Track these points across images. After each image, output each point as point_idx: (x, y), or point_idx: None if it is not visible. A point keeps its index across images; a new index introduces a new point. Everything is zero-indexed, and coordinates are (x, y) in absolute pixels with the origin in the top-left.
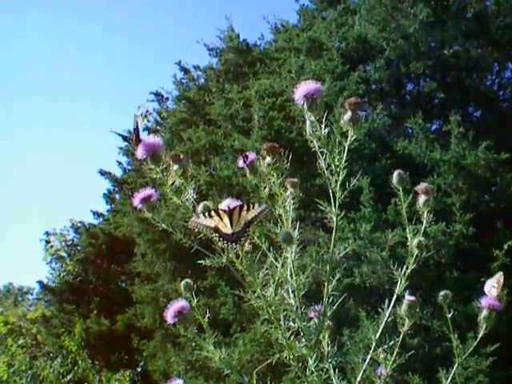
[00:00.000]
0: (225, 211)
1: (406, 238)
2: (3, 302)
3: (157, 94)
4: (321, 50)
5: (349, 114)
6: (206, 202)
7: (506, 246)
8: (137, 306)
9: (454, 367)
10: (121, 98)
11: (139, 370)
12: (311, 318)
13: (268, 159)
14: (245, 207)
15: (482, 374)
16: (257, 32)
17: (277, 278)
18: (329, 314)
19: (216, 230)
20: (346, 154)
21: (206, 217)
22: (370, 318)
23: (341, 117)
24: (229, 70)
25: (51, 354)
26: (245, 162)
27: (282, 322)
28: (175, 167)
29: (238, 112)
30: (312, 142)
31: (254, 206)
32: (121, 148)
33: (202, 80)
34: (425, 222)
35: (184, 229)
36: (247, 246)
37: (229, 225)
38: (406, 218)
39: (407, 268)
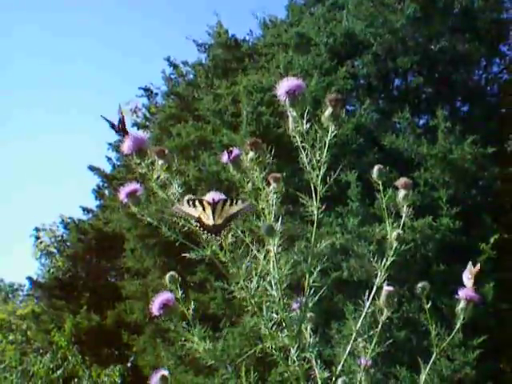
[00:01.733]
0: (209, 203)
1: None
2: None
3: (146, 90)
4: (309, 46)
5: (329, 109)
6: (191, 196)
7: (492, 240)
8: (126, 301)
9: (432, 357)
10: (110, 94)
11: (129, 365)
12: (294, 310)
13: (251, 154)
14: (228, 201)
15: (468, 366)
16: (245, 28)
17: (259, 270)
18: (310, 305)
19: (198, 220)
20: (326, 149)
21: (190, 205)
22: (358, 311)
23: (322, 113)
24: (217, 65)
25: (41, 350)
26: (229, 157)
27: (264, 313)
28: (160, 162)
29: (226, 107)
30: (295, 137)
31: (237, 202)
32: (110, 144)
33: (191, 76)
34: (404, 215)
35: (170, 223)
36: (230, 239)
37: (211, 217)
38: (385, 211)
39: (387, 260)
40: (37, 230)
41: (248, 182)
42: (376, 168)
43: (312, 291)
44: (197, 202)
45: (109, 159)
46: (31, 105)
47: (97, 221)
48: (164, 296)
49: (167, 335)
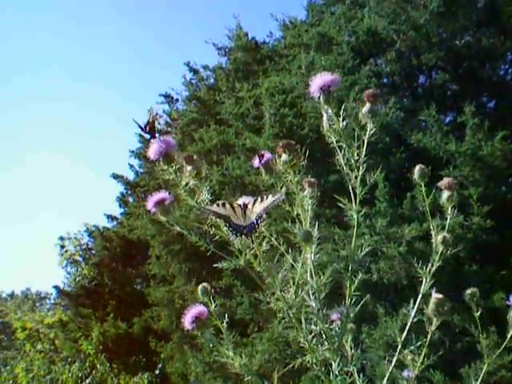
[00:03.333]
0: (239, 205)
1: (424, 233)
2: (21, 308)
3: (166, 96)
4: (330, 45)
5: (367, 105)
6: (220, 201)
7: None
8: (153, 308)
9: (484, 368)
10: (130, 102)
11: (157, 372)
12: (333, 321)
13: (284, 157)
14: (259, 199)
15: (504, 369)
16: (265, 30)
17: (297, 279)
18: (352, 316)
19: (227, 219)
20: (365, 148)
21: (218, 206)
22: (389, 314)
23: (359, 109)
24: (238, 68)
25: (69, 359)
26: (260, 161)
27: (303, 325)
28: (189, 168)
29: (248, 110)
30: (329, 137)
31: (267, 197)
32: (132, 151)
33: (212, 80)
34: (449, 217)
35: (199, 230)
36: (265, 246)
37: (241, 217)
38: (429, 213)
39: (432, 265)
40: (62, 238)
41: (281, 187)
42: (417, 168)
43: (353, 301)
44: (226, 204)
45: (131, 166)
46: (55, 114)
47: (121, 228)
48: (196, 309)
49: (195, 342)
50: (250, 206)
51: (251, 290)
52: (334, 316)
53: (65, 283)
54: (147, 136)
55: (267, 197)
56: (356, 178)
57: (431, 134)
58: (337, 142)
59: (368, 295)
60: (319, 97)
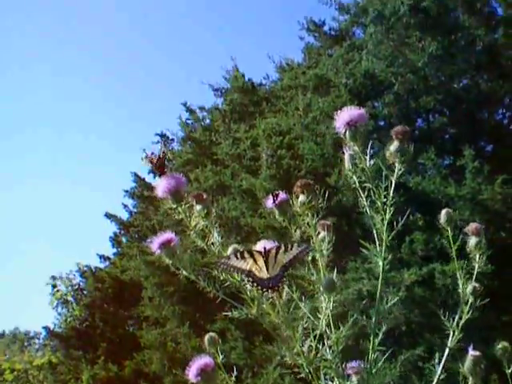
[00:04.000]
0: (260, 253)
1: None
2: (10, 348)
3: (162, 136)
4: (328, 87)
5: (395, 144)
6: (235, 245)
7: None
8: (145, 351)
9: None
10: (125, 142)
11: None
12: (349, 376)
13: (302, 197)
14: (282, 248)
15: None
16: (262, 72)
17: (318, 332)
18: (374, 372)
19: (249, 273)
20: (393, 190)
21: (237, 258)
22: (387, 360)
23: (386, 148)
24: (234, 109)
25: None
26: (274, 201)
27: (322, 383)
28: (198, 208)
29: (245, 151)
30: (351, 177)
31: (292, 247)
32: (126, 191)
33: (208, 120)
34: (477, 265)
35: (210, 277)
36: (285, 296)
37: (264, 268)
38: (456, 259)
39: (460, 318)
40: (53, 278)
41: (296, 230)
42: (444, 212)
43: (376, 355)
44: (245, 254)
45: (125, 206)
46: (47, 150)
47: (114, 269)
48: (202, 360)
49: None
50: (272, 256)
51: (246, 335)
52: (350, 370)
53: (55, 324)
54: (156, 172)
55: (291, 246)
56: (383, 221)
57: (430, 177)
58: (361, 182)
59: (363, 339)
60: (345, 132)
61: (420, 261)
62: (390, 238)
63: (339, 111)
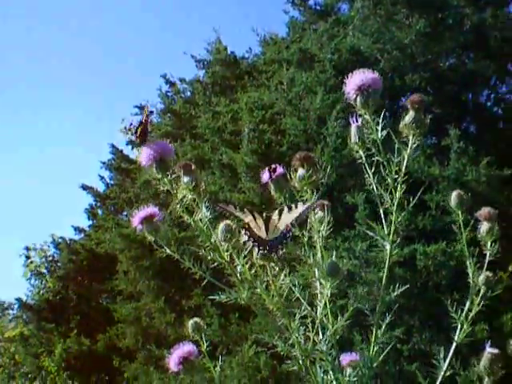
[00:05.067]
0: (260, 214)
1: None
2: None
3: (141, 108)
4: (312, 62)
5: (411, 114)
6: (228, 221)
7: (510, 268)
8: (118, 325)
9: None
10: (104, 112)
11: None
12: (343, 366)
13: (301, 171)
14: (285, 209)
15: None
16: (245, 45)
17: (318, 322)
18: (375, 366)
19: (248, 228)
20: (405, 166)
21: (236, 209)
22: (365, 341)
23: (402, 118)
24: (216, 82)
25: (30, 375)
26: (270, 176)
27: (318, 377)
28: (186, 179)
29: (225, 125)
30: (357, 151)
31: (296, 206)
32: (103, 162)
33: (188, 93)
34: (488, 253)
35: (195, 256)
36: (283, 280)
37: (263, 229)
38: (466, 249)
39: (470, 310)
40: (27, 249)
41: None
42: (455, 194)
43: (376, 348)
44: (245, 210)
45: (102, 178)
46: (24, 119)
47: (89, 241)
48: (184, 348)
49: (160, 363)
50: (274, 218)
51: (221, 312)
52: (344, 360)
53: (28, 295)
54: (137, 140)
55: (296, 205)
56: (392, 200)
57: (414, 156)
58: (370, 156)
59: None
60: (355, 98)
61: (401, 241)
62: (399, 218)
63: (350, 74)
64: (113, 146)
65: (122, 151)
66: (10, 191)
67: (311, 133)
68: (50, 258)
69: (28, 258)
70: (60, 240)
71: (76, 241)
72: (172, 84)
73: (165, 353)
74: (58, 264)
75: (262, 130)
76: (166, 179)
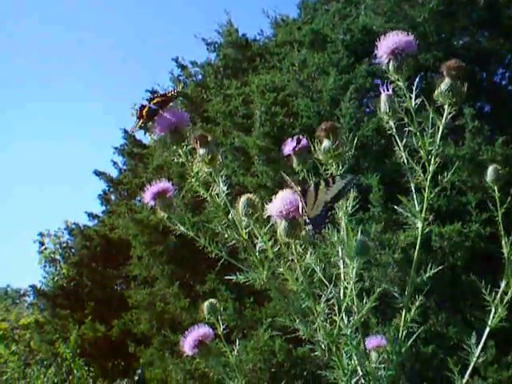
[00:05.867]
0: (299, 183)
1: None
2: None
3: (152, 92)
4: (324, 43)
5: (447, 81)
6: (249, 195)
7: None
8: (133, 311)
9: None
10: (116, 96)
11: (136, 378)
12: (369, 350)
13: (326, 143)
14: (322, 184)
15: None
16: (256, 28)
17: (344, 305)
18: (403, 351)
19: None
20: (440, 137)
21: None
22: (381, 324)
23: (436, 86)
24: (227, 65)
25: (45, 362)
26: (295, 147)
27: (344, 361)
28: (201, 152)
29: (237, 108)
30: (387, 121)
31: (333, 181)
32: (116, 148)
33: (200, 76)
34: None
35: (211, 235)
36: (309, 258)
37: (303, 207)
38: (501, 224)
39: (505, 293)
40: (41, 235)
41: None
42: (491, 168)
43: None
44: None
45: (115, 164)
46: (36, 107)
47: (102, 227)
48: (199, 331)
49: (176, 348)
50: (311, 193)
51: (236, 296)
52: (369, 344)
53: (42, 282)
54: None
55: (333, 181)
56: (425, 174)
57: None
58: (401, 126)
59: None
60: (388, 62)
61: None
62: (432, 195)
63: (382, 36)
64: (125, 131)
65: (134, 136)
66: (24, 178)
67: (324, 114)
68: (64, 245)
69: (42, 244)
70: (73, 226)
71: (89, 227)
72: (183, 67)
73: (180, 338)
74: (72, 250)
75: (274, 113)
76: (180, 151)
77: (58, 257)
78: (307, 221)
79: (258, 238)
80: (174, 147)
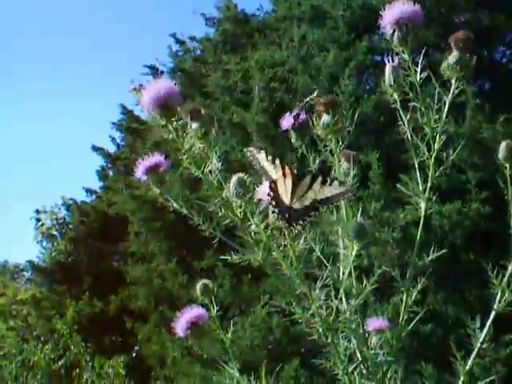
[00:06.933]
0: (291, 171)
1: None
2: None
3: (151, 68)
4: (324, 19)
5: (454, 54)
6: (240, 175)
7: None
8: (130, 287)
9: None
10: (114, 72)
11: (134, 354)
12: (368, 332)
13: (326, 118)
14: (320, 178)
15: (499, 363)
16: (255, 3)
17: (342, 290)
18: (403, 336)
19: (274, 186)
20: (446, 113)
21: (267, 160)
22: (378, 302)
23: (444, 59)
24: (226, 40)
25: (42, 338)
26: (294, 122)
27: (340, 348)
28: (194, 126)
29: (236, 84)
30: (392, 94)
31: (332, 182)
32: (114, 123)
33: (199, 51)
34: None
35: (206, 213)
36: (302, 243)
37: (290, 192)
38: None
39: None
40: (37, 211)
41: (315, 158)
42: (504, 145)
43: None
44: (277, 162)
45: (113, 139)
46: (34, 84)
47: (100, 203)
48: (193, 312)
49: (173, 324)
50: (304, 183)
51: (234, 273)
52: (371, 326)
53: (39, 258)
54: None
55: (331, 182)
56: (429, 151)
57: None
58: (405, 101)
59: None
60: (392, 33)
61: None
62: (437, 174)
63: (387, 6)
64: (123, 106)
65: (132, 112)
66: (21, 154)
67: (323, 91)
68: (61, 221)
69: (39, 220)
70: (71, 202)
71: (87, 203)
72: (182, 43)
73: (177, 315)
74: (69, 226)
75: (273, 88)
76: (170, 126)
77: (54, 232)
78: (284, 209)
79: (252, 218)
80: (164, 122)
